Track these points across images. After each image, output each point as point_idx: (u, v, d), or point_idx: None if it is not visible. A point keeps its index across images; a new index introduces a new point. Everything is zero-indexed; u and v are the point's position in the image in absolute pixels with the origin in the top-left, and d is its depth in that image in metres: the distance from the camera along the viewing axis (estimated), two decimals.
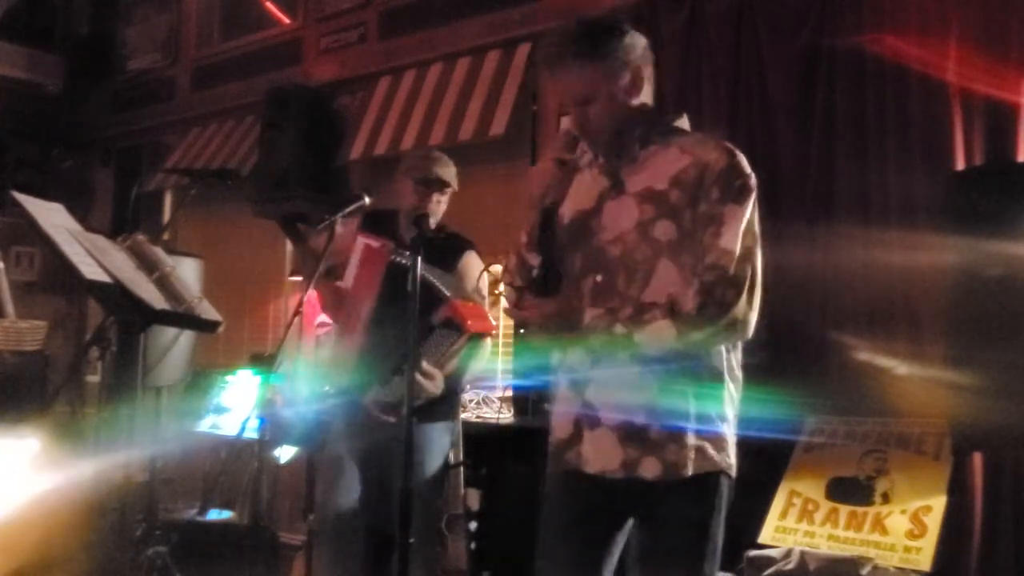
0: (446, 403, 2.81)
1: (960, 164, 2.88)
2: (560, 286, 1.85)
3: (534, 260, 1.84)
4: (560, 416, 1.92)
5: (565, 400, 1.90)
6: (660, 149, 1.84)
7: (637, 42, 1.85)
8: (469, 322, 2.55)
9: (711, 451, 1.79)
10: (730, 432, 1.85)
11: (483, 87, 4.26)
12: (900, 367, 2.86)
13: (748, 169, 1.78)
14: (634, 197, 1.82)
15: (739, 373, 1.88)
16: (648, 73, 1.87)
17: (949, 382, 2.40)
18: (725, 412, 1.83)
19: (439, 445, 2.86)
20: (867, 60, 3.10)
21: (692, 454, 1.77)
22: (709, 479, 1.80)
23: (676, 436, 1.77)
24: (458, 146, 4.28)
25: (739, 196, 1.75)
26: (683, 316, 1.72)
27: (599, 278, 1.82)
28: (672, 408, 1.77)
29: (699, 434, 1.78)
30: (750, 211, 1.77)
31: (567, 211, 1.91)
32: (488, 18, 4.34)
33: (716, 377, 1.82)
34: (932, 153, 2.94)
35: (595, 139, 1.86)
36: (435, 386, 2.64)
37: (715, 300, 1.71)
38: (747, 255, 1.74)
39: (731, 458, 1.85)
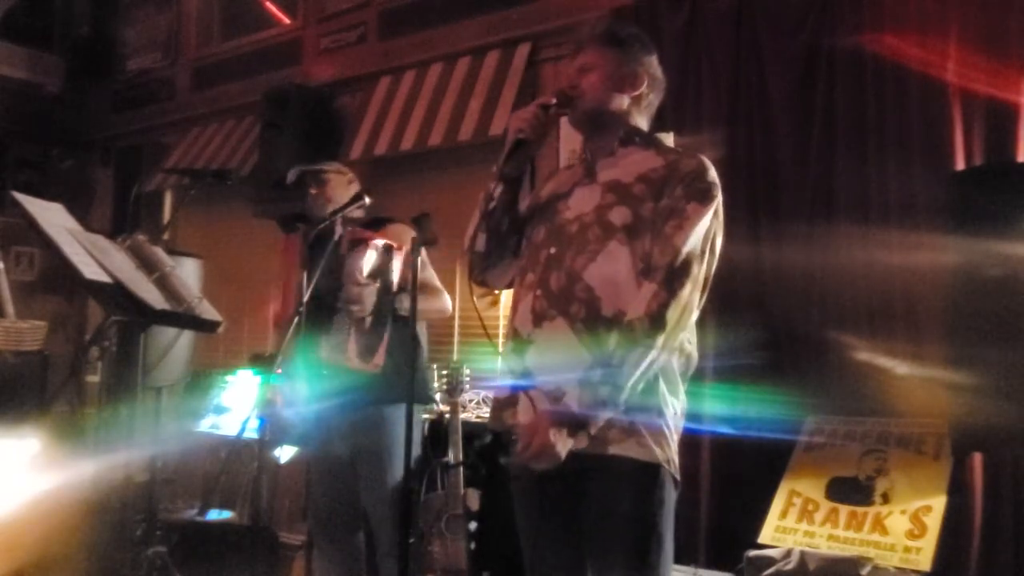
0: (402, 382, 2.71)
1: (960, 164, 2.87)
2: (513, 222, 2.01)
3: (496, 189, 1.98)
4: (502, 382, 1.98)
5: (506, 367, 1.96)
6: (638, 150, 1.96)
7: (656, 65, 2.03)
8: (367, 233, 2.91)
9: (649, 441, 1.78)
10: (669, 427, 1.84)
11: (483, 87, 4.25)
12: (900, 367, 2.86)
13: (714, 178, 1.87)
14: (601, 185, 1.94)
15: (676, 372, 1.87)
16: (651, 99, 2.02)
17: (949, 382, 2.39)
18: (660, 406, 1.82)
19: (403, 428, 2.81)
20: (867, 60, 3.09)
21: (621, 435, 1.76)
22: (648, 469, 1.79)
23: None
24: (457, 147, 4.29)
25: (702, 197, 1.83)
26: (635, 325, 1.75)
27: (553, 250, 1.91)
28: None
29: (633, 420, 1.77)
30: (711, 218, 1.83)
31: (545, 192, 2.06)
32: (488, 18, 4.34)
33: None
34: (932, 153, 2.93)
35: (576, 106, 1.97)
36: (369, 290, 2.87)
37: (659, 301, 1.75)
38: (698, 255, 1.79)
39: (672, 454, 1.83)
